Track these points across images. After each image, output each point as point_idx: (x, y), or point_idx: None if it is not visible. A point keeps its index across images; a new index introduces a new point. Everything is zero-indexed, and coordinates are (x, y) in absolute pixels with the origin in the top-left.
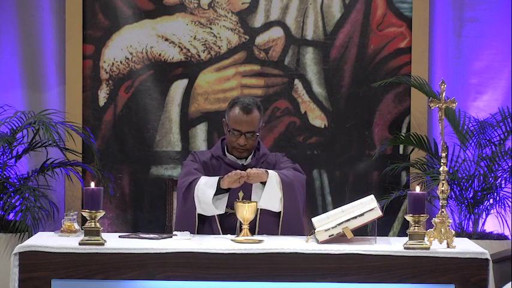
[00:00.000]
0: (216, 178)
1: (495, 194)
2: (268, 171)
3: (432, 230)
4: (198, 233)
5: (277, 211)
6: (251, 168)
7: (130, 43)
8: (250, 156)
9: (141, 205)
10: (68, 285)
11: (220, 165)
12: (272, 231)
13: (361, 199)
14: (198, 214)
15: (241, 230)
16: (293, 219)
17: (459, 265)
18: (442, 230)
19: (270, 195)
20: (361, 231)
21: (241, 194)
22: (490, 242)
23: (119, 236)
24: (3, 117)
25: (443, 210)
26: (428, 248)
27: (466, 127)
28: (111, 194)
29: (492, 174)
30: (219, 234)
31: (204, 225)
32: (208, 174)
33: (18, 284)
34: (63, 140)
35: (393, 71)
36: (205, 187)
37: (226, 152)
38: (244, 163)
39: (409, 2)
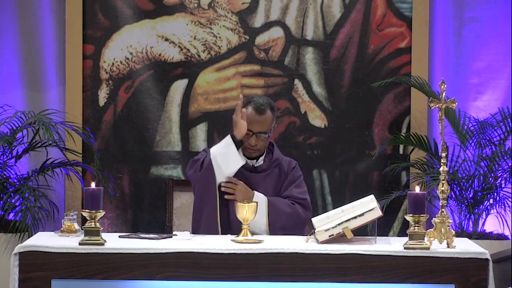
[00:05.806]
0: (228, 137)
1: (495, 194)
2: (259, 204)
3: (432, 230)
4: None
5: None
6: (261, 167)
7: (130, 43)
8: (262, 158)
9: (141, 205)
10: (68, 285)
11: None
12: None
13: (361, 199)
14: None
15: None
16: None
17: (459, 265)
18: (442, 230)
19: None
20: (361, 231)
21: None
22: (490, 242)
23: (119, 236)
24: (3, 117)
25: (443, 210)
26: (428, 248)
27: (466, 127)
28: (111, 194)
29: (492, 174)
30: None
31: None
32: None
33: (18, 284)
34: (63, 140)
35: (393, 71)
36: (223, 149)
37: None
38: (255, 164)
39: (409, 2)
